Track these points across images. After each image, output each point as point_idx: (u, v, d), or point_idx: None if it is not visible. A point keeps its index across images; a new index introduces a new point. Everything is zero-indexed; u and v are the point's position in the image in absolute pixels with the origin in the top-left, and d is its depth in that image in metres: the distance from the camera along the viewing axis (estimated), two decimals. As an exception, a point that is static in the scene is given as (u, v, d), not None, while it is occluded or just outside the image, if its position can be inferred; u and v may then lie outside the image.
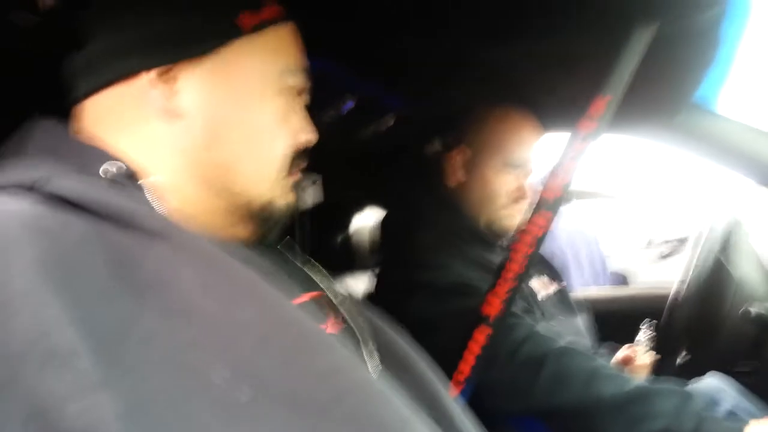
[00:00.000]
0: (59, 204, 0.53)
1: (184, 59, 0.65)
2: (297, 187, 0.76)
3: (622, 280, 3.56)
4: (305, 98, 0.77)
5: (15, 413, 0.41)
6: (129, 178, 0.62)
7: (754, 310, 1.26)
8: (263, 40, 0.70)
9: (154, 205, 0.62)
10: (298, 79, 0.73)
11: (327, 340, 0.55)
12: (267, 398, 0.48)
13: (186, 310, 0.51)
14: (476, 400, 0.96)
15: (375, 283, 1.41)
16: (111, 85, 0.65)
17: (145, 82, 0.64)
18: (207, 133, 0.66)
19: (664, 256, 3.64)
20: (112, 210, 0.53)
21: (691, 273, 1.39)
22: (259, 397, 0.48)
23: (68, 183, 0.55)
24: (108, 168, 0.61)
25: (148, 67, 0.64)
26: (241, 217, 0.70)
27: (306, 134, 0.74)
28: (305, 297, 0.68)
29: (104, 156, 0.62)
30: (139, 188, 0.62)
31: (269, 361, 0.50)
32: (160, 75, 0.65)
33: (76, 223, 0.52)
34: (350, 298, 0.78)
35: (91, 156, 0.62)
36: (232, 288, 0.54)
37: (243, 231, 0.71)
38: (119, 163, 0.62)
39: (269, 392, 0.49)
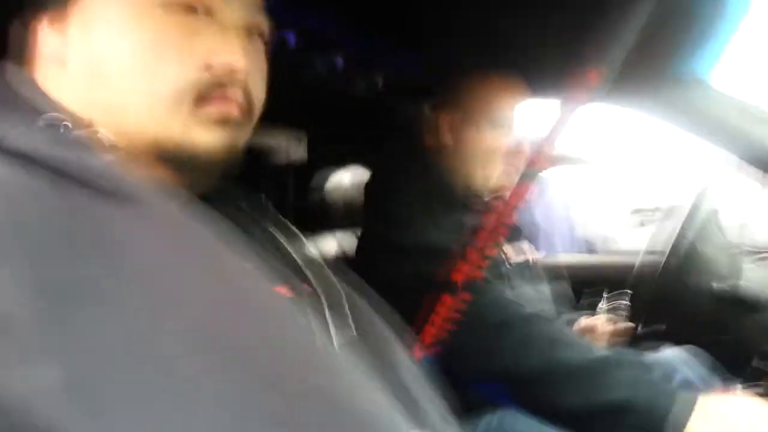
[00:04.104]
0: (8, 159, 0.50)
1: (64, 2, 0.63)
2: (230, 122, 0.65)
3: (591, 246, 3.61)
4: (232, 16, 0.66)
5: None
6: (73, 129, 0.59)
7: (717, 285, 1.29)
8: None
9: (104, 158, 0.57)
10: None
11: (281, 309, 0.53)
12: (217, 370, 0.46)
13: (144, 276, 0.48)
14: (442, 364, 0.98)
15: (357, 243, 1.43)
16: (22, 35, 0.65)
17: (44, 31, 0.64)
18: (87, 73, 0.63)
19: (641, 224, 3.69)
20: (66, 167, 0.50)
21: (660, 246, 1.42)
22: (210, 369, 0.46)
23: (15, 137, 0.52)
24: (51, 120, 0.58)
25: (36, 17, 0.64)
26: (153, 159, 0.63)
27: (220, 57, 0.64)
28: (264, 262, 0.65)
29: (48, 106, 0.61)
30: (85, 140, 0.59)
31: (224, 335, 0.48)
32: (52, 22, 0.63)
33: (25, 178, 0.49)
34: (319, 260, 0.76)
35: (36, 105, 0.60)
36: (191, 259, 0.51)
37: (165, 176, 0.64)
38: (59, 114, 0.59)
39: (219, 365, 0.47)
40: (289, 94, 1.34)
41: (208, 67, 0.63)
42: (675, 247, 1.38)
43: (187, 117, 0.63)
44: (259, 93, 0.70)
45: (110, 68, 0.62)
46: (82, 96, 0.63)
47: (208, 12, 0.65)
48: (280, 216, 0.79)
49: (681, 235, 1.39)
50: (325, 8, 1.11)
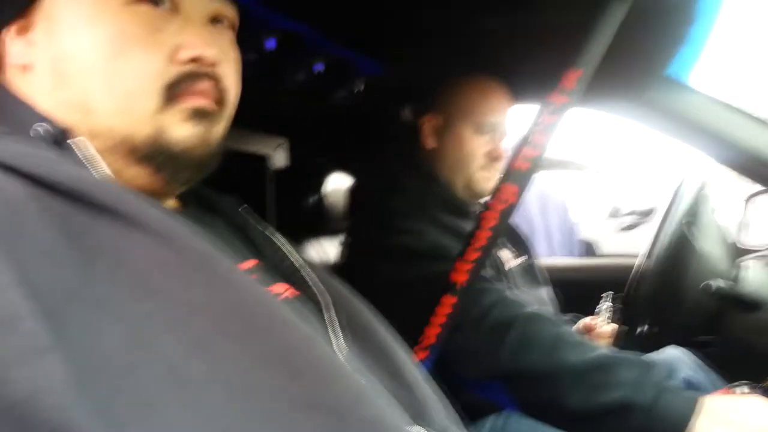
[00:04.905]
0: (1, 166, 0.50)
1: (20, 10, 0.62)
2: (205, 115, 0.64)
3: (590, 249, 3.61)
4: (198, 7, 0.65)
5: None
6: (59, 139, 0.58)
7: (715, 284, 1.29)
8: None
9: (88, 166, 0.58)
10: None
11: (281, 316, 0.53)
12: (220, 376, 0.47)
13: (139, 283, 0.49)
14: (442, 365, 0.98)
15: (344, 249, 1.42)
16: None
17: (9, 40, 0.63)
18: (53, 75, 0.61)
19: (629, 227, 3.69)
20: (54, 178, 0.50)
21: (655, 245, 1.41)
22: (213, 375, 0.47)
23: (7, 147, 0.52)
24: (37, 129, 0.58)
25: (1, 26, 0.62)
26: (128, 158, 0.62)
27: (189, 50, 0.62)
28: (250, 263, 0.65)
29: (33, 115, 0.60)
30: (70, 149, 0.58)
31: (222, 341, 0.49)
32: (18, 30, 0.62)
33: (19, 187, 0.49)
34: (313, 265, 0.75)
35: (22, 115, 0.60)
36: (185, 265, 0.51)
37: (141, 176, 0.63)
38: (45, 123, 0.58)
39: (222, 371, 0.47)
40: (270, 101, 1.34)
41: (174, 60, 0.62)
42: (671, 245, 1.38)
43: (157, 113, 0.61)
44: (231, 82, 0.68)
45: (73, 66, 0.60)
46: (49, 99, 0.61)
47: (173, 4, 0.63)
48: (264, 223, 0.78)
49: (676, 233, 1.39)
50: (303, 16, 1.11)
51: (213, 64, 0.64)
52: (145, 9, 0.61)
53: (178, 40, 0.62)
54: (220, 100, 0.66)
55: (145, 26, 0.61)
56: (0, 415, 0.39)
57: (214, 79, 0.64)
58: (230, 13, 0.69)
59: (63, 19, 0.61)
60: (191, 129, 0.63)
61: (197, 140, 0.63)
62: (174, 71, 0.61)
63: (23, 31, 0.62)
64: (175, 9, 0.63)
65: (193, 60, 0.62)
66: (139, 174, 0.63)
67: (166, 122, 0.61)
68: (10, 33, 0.62)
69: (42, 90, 0.62)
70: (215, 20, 0.67)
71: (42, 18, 0.62)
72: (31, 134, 0.58)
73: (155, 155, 0.62)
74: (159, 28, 0.62)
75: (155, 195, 0.64)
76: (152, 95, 0.61)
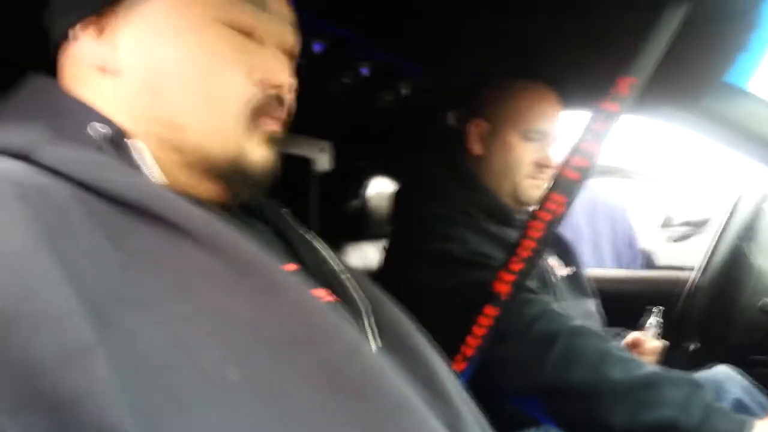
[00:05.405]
0: (50, 170, 0.52)
1: (104, 8, 0.62)
2: (274, 139, 0.67)
3: (649, 259, 3.50)
4: (280, 38, 0.68)
5: (6, 379, 0.40)
6: (115, 141, 0.59)
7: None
8: None
9: (144, 169, 0.59)
10: (246, 13, 0.64)
11: (323, 327, 0.53)
12: (257, 383, 0.47)
13: (179, 286, 0.50)
14: (480, 377, 0.96)
15: (385, 254, 1.41)
16: (63, 45, 0.64)
17: (84, 39, 0.62)
18: (145, 85, 0.61)
19: (682, 238, 3.59)
20: (101, 184, 0.52)
21: (710, 260, 1.37)
22: (249, 381, 0.47)
23: (56, 152, 0.53)
24: (95, 129, 0.58)
25: (71, 24, 0.62)
26: (204, 174, 0.64)
27: (274, 76, 0.65)
28: (290, 267, 0.65)
29: (90, 115, 0.60)
30: (127, 151, 0.59)
31: (261, 350, 0.49)
32: (98, 31, 0.62)
33: (68, 189, 0.50)
34: (353, 270, 0.75)
35: (77, 116, 0.60)
36: (229, 272, 0.52)
37: (212, 190, 0.65)
38: (104, 124, 0.59)
39: (259, 379, 0.48)
40: (315, 104, 1.35)
41: (260, 84, 0.64)
42: (726, 260, 1.33)
43: (240, 135, 0.64)
44: (291, 109, 0.71)
45: (173, 82, 0.62)
46: (134, 107, 0.62)
47: (261, 39, 0.66)
48: (304, 227, 0.79)
49: (732, 248, 1.34)
50: (350, 21, 1.11)
51: (291, 94, 0.68)
52: (245, 34, 0.64)
53: (266, 65, 0.65)
54: (282, 125, 0.69)
55: (236, 47, 0.63)
56: (45, 413, 0.40)
57: (287, 107, 0.69)
58: (297, 46, 0.72)
59: (157, 30, 0.62)
60: (265, 152, 0.66)
61: (269, 163, 0.67)
62: (260, 95, 0.64)
63: (101, 32, 0.62)
64: (260, 39, 0.66)
65: (276, 86, 0.65)
66: (208, 189, 0.65)
67: (248, 144, 0.64)
68: (88, 32, 0.62)
69: (127, 98, 0.62)
70: (291, 55, 0.71)
71: (125, 22, 0.62)
72: (91, 133, 0.58)
73: (232, 175, 0.64)
74: (247, 51, 0.64)
75: (209, 203, 0.65)
76: (241, 117, 0.63)
